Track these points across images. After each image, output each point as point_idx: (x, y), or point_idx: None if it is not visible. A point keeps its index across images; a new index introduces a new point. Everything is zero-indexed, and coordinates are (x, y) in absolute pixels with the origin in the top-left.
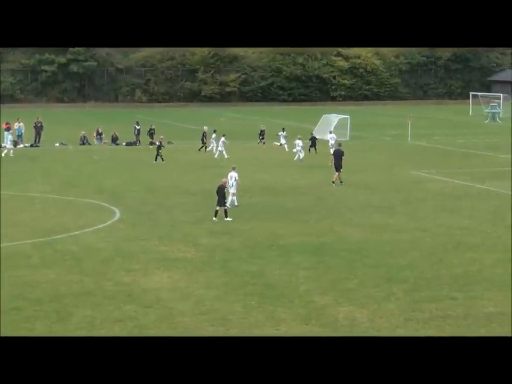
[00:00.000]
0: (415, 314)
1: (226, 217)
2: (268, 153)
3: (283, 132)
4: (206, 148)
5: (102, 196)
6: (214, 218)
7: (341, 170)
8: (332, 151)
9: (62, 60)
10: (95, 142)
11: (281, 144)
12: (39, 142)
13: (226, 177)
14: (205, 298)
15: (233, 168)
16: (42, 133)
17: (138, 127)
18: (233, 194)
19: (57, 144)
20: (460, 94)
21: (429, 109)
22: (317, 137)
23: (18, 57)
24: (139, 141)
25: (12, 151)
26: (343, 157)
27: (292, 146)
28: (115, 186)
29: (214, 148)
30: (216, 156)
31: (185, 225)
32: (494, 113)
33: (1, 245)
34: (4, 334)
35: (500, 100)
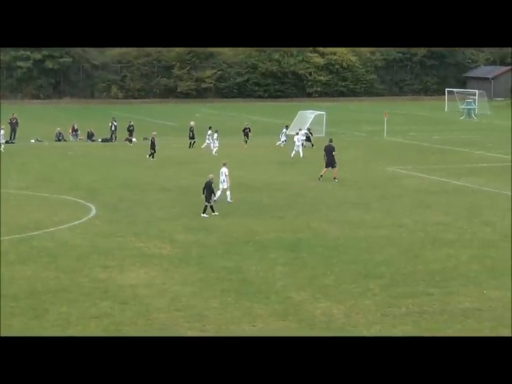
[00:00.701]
0: (392, 310)
1: (213, 212)
2: (248, 151)
3: (286, 129)
4: (193, 143)
5: (77, 192)
6: (203, 214)
7: (336, 165)
8: (300, 149)
9: (37, 56)
10: (71, 138)
11: (283, 141)
12: (14, 138)
13: (218, 173)
14: (181, 294)
15: (224, 164)
16: (18, 130)
17: (115, 123)
18: (225, 189)
19: (32, 141)
20: (436, 90)
21: (404, 105)
22: (292, 133)
23: None
24: (115, 137)
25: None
26: (334, 153)
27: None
28: (91, 183)
29: (211, 145)
30: (214, 153)
31: (162, 222)
32: (469, 109)
33: None
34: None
35: (475, 96)
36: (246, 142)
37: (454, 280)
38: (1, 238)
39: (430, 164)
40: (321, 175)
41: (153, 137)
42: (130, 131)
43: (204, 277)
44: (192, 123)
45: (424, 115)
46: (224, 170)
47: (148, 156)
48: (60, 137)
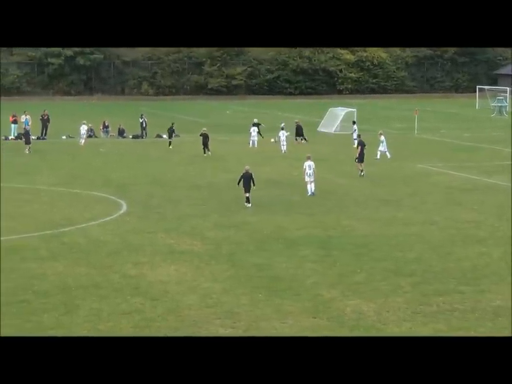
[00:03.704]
0: (423, 308)
1: (248, 203)
2: (277, 146)
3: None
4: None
5: (108, 188)
6: (246, 204)
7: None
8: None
9: (68, 52)
10: (102, 134)
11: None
12: (45, 134)
13: (303, 166)
14: (212, 291)
15: (309, 158)
16: (49, 126)
17: (145, 120)
18: (311, 182)
19: (64, 137)
20: (466, 87)
21: (435, 103)
22: (323, 130)
23: (25, 50)
24: (145, 134)
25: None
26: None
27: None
28: (122, 179)
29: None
30: (283, 151)
31: (192, 218)
32: (500, 106)
33: (9, 238)
34: (8, 330)
35: (507, 93)
36: (303, 139)
37: (486, 278)
38: (33, 234)
39: (461, 161)
40: (361, 170)
41: (204, 132)
42: (172, 132)
43: (234, 274)
44: (255, 120)
45: (455, 112)
46: (310, 163)
47: (204, 153)
48: (91, 134)
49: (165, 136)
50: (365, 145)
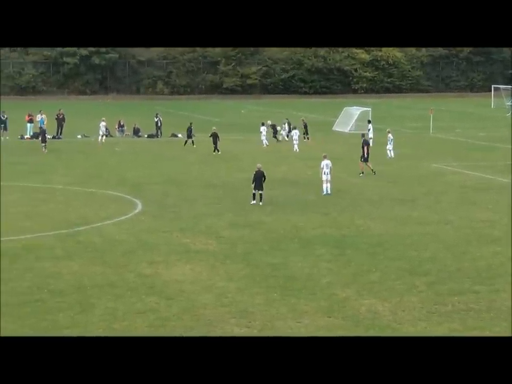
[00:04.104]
0: (438, 307)
1: (259, 201)
2: (284, 146)
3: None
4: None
5: (124, 187)
6: (253, 201)
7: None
8: (371, 142)
9: (84, 52)
10: (117, 133)
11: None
12: (61, 134)
13: (320, 165)
14: (227, 290)
15: (325, 157)
16: (64, 125)
17: (160, 119)
18: (328, 181)
19: (79, 136)
20: (482, 86)
21: (450, 102)
22: (338, 129)
23: (41, 50)
24: (160, 133)
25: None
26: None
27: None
28: (137, 178)
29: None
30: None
31: (207, 218)
32: None
33: (24, 237)
34: (23, 329)
35: None
36: (307, 138)
37: (501, 278)
38: (48, 233)
39: (476, 160)
40: (372, 169)
41: (215, 132)
42: (190, 131)
43: (250, 273)
44: (269, 121)
45: (470, 112)
46: (328, 162)
47: (213, 152)
48: (106, 133)
49: (180, 135)
50: (369, 145)
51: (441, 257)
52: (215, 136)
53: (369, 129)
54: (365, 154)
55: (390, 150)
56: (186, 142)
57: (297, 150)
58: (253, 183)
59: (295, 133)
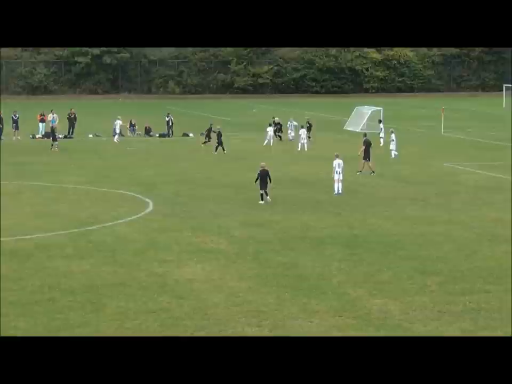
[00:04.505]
0: (449, 307)
1: (267, 197)
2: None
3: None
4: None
5: (135, 187)
6: (260, 201)
7: (368, 159)
8: (382, 142)
9: (95, 51)
10: (129, 133)
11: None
12: (72, 133)
13: (333, 164)
14: (238, 290)
15: (337, 156)
16: (76, 125)
17: (172, 118)
18: (340, 181)
19: (90, 136)
20: (493, 86)
21: (462, 101)
22: (349, 129)
23: (52, 49)
24: (172, 132)
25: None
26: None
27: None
28: (148, 178)
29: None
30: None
31: (218, 217)
32: None
33: (36, 236)
34: (35, 328)
35: None
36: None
37: None
38: (60, 232)
39: (488, 160)
40: (360, 171)
41: (214, 130)
42: (208, 131)
43: (261, 273)
44: (276, 119)
45: (482, 111)
46: (340, 161)
47: (215, 151)
48: (118, 132)
49: (191, 134)
50: (370, 144)
51: (452, 257)
52: (219, 135)
53: (381, 129)
54: (363, 153)
55: (392, 151)
56: (205, 142)
57: (306, 149)
58: (255, 182)
59: (303, 132)
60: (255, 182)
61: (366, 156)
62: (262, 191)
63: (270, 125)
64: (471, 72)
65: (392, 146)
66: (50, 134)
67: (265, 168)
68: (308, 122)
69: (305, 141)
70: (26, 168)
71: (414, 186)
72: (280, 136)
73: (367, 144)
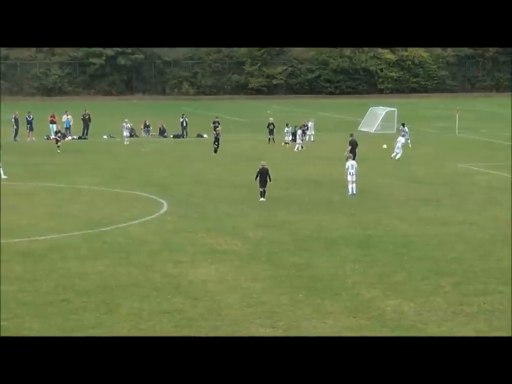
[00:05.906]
0: (463, 308)
1: (263, 198)
2: (317, 146)
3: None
4: (273, 140)
5: (149, 188)
6: (261, 199)
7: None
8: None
9: (109, 52)
10: (143, 134)
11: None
12: (87, 134)
13: (345, 166)
14: (252, 290)
15: (350, 157)
16: (90, 126)
17: (186, 119)
18: (353, 182)
19: (105, 137)
20: (508, 86)
21: (476, 102)
22: (363, 129)
23: (67, 50)
24: (186, 133)
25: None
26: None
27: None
28: (162, 179)
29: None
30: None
31: (232, 218)
32: None
33: (50, 237)
34: (49, 329)
35: None
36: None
37: None
38: (74, 233)
39: (502, 161)
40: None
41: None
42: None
43: (275, 274)
44: (270, 119)
45: (496, 112)
46: (353, 163)
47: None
48: (132, 133)
49: (205, 135)
50: (357, 145)
51: (466, 258)
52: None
53: (406, 132)
54: (351, 153)
55: (396, 153)
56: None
57: (301, 148)
58: (255, 179)
59: (300, 134)
60: (255, 179)
61: (353, 156)
62: (261, 189)
63: (287, 125)
64: (485, 73)
65: (397, 149)
66: (61, 134)
67: (266, 166)
68: (304, 124)
69: (301, 142)
70: (40, 169)
71: (428, 187)
72: (273, 139)
73: (353, 144)
